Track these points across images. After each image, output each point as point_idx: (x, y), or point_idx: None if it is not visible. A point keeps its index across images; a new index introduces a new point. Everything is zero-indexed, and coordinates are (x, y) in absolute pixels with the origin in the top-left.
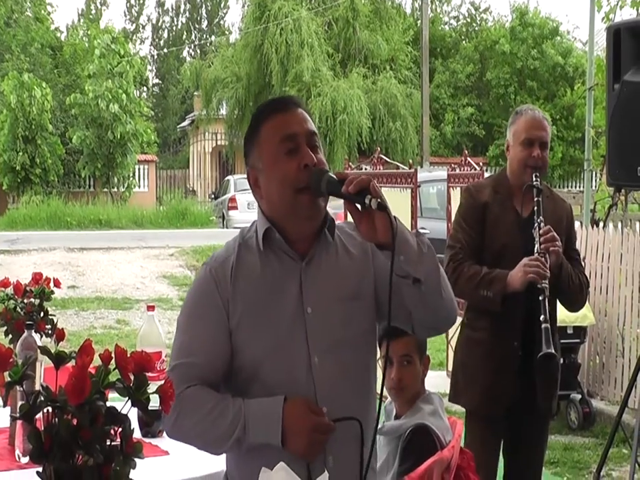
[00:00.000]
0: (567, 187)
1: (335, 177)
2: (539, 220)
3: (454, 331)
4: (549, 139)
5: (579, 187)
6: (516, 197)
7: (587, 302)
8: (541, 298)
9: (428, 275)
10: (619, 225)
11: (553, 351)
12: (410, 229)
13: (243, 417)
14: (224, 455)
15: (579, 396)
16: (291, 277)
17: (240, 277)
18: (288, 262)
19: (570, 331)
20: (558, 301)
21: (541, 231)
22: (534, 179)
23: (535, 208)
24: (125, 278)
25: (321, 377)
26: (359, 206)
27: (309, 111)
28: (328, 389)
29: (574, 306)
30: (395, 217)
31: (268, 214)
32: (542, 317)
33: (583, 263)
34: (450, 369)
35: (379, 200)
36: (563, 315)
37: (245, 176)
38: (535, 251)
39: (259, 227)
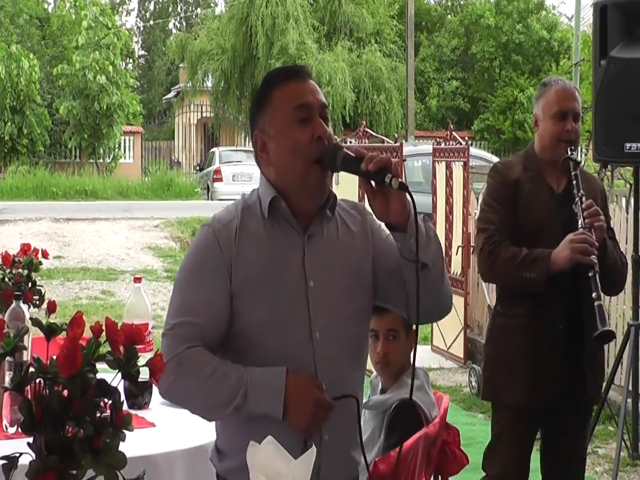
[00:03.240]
0: None
1: (351, 153)
2: (579, 194)
3: None
4: (580, 109)
5: None
6: (548, 172)
7: None
8: (590, 274)
9: (434, 260)
10: None
11: (611, 329)
12: None
13: (245, 385)
14: (211, 427)
15: None
16: (294, 249)
17: (244, 241)
18: (291, 233)
19: None
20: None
21: (583, 205)
22: (569, 152)
23: (574, 182)
24: (110, 249)
25: (322, 352)
26: (372, 183)
27: (319, 83)
28: (328, 364)
29: (615, 287)
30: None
31: (274, 182)
32: (594, 294)
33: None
34: (435, 343)
35: (400, 180)
36: None
37: (230, 148)
38: (580, 226)
39: (263, 194)
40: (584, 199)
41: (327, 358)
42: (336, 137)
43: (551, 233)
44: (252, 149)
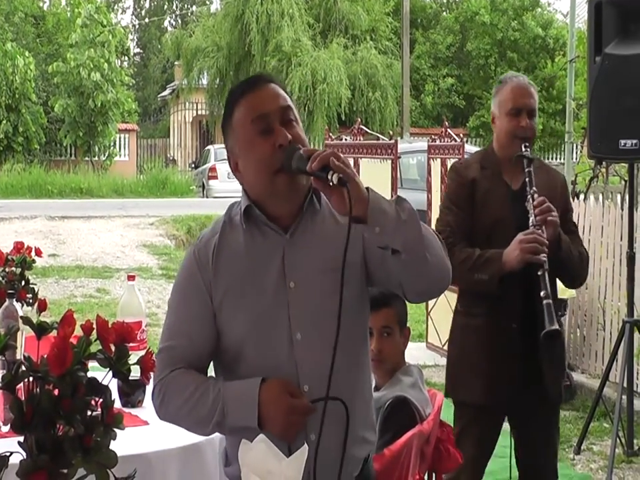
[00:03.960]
0: (548, 158)
1: (303, 154)
2: (531, 191)
3: (434, 303)
4: (536, 105)
5: (560, 159)
6: (505, 170)
7: None
8: (539, 273)
9: (407, 243)
10: (600, 197)
11: (558, 327)
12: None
13: (221, 401)
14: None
15: None
16: (274, 252)
17: (222, 257)
18: (272, 236)
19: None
20: (557, 277)
21: (534, 202)
22: (523, 148)
23: (527, 179)
24: (105, 247)
25: (303, 354)
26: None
27: (282, 83)
28: (311, 365)
29: (575, 281)
30: (368, 188)
31: (250, 195)
32: (542, 293)
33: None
34: (429, 340)
35: (340, 175)
36: None
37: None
38: (530, 224)
39: (241, 205)
40: (536, 195)
41: (310, 360)
42: (331, 134)
43: (506, 231)
44: None
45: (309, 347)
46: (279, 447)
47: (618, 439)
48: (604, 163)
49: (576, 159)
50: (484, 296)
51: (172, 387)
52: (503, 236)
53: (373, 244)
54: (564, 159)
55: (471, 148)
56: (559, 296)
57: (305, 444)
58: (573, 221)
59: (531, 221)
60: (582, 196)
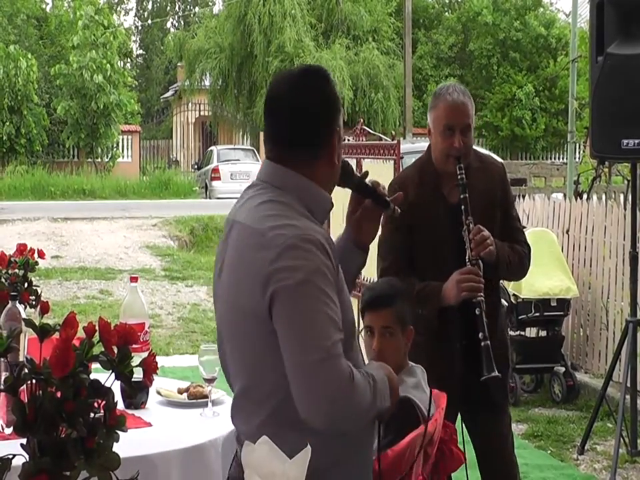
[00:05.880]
0: (550, 158)
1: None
2: (467, 221)
3: None
4: (471, 119)
5: (563, 158)
6: (443, 183)
7: (571, 274)
8: (477, 312)
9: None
10: (603, 197)
11: (496, 374)
12: None
13: (374, 384)
14: (209, 428)
15: (563, 369)
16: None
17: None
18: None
19: (553, 304)
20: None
21: (470, 235)
22: (458, 171)
23: (463, 207)
24: (108, 248)
25: None
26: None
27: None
28: None
29: (516, 279)
30: None
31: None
32: (480, 335)
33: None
34: None
35: (399, 210)
36: (546, 287)
37: (228, 147)
38: (467, 259)
39: (319, 198)
40: (472, 226)
41: None
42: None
43: (447, 249)
44: (249, 148)
45: None
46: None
47: (622, 439)
48: (606, 162)
49: (578, 158)
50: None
51: (359, 377)
52: (442, 255)
53: (355, 270)
54: (566, 158)
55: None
56: (562, 296)
57: (308, 445)
58: (515, 215)
59: (467, 255)
60: (585, 196)
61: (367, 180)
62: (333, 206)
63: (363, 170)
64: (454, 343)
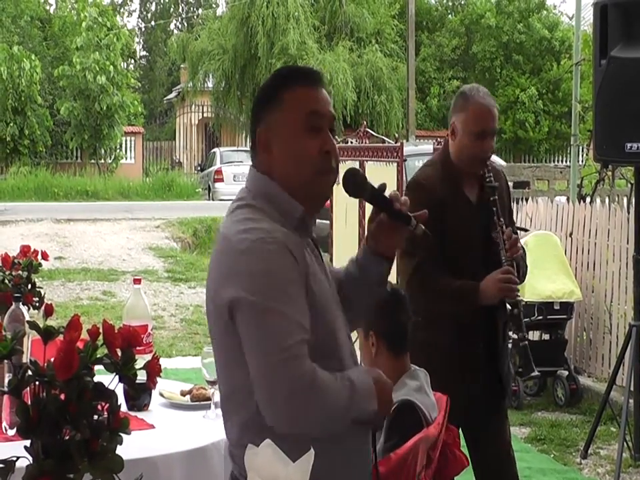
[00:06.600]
0: (553, 161)
1: (374, 186)
2: (500, 222)
3: None
4: (497, 123)
5: (566, 161)
6: (465, 182)
7: (574, 278)
8: (515, 312)
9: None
10: (606, 200)
11: (536, 373)
12: None
13: (356, 390)
14: (211, 430)
15: (566, 372)
16: (315, 252)
17: (305, 250)
18: (303, 234)
19: (557, 307)
20: None
21: (504, 236)
22: (487, 174)
23: (494, 209)
24: (111, 249)
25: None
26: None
27: (329, 90)
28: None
29: (522, 281)
30: None
31: (284, 184)
32: (520, 335)
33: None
34: None
35: (424, 229)
36: (549, 290)
37: (231, 148)
38: (503, 260)
39: (288, 206)
40: (504, 227)
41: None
42: (337, 137)
43: (474, 250)
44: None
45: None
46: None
47: (625, 443)
48: (610, 166)
49: (582, 161)
50: (446, 317)
51: (321, 379)
52: (468, 255)
53: (376, 277)
54: (569, 161)
55: None
56: (566, 299)
57: (311, 448)
58: (514, 221)
59: (502, 256)
60: (588, 199)
61: (389, 194)
62: (301, 210)
63: (366, 172)
64: (478, 343)
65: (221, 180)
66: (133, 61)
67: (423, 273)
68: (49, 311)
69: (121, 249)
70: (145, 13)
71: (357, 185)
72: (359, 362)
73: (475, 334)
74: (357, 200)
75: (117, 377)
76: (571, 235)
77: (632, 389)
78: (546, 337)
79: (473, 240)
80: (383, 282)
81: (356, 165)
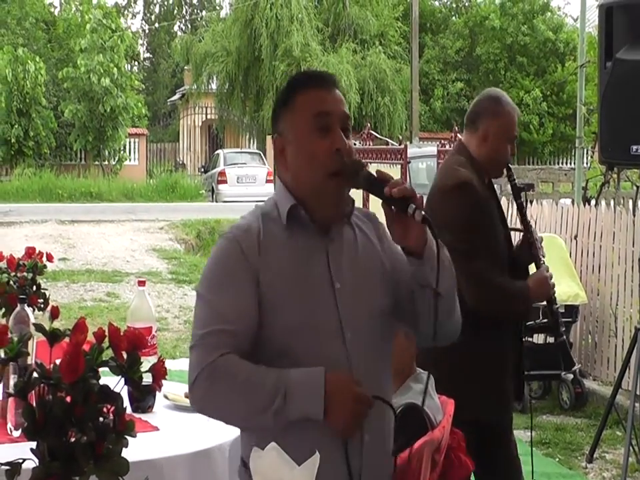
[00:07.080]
0: (558, 163)
1: (373, 174)
2: (532, 221)
3: None
4: None
5: (571, 163)
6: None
7: (579, 280)
8: (555, 308)
9: (447, 291)
10: (612, 202)
11: (576, 367)
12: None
13: (283, 386)
14: (216, 431)
15: (571, 376)
16: (318, 253)
17: (267, 246)
18: (313, 238)
19: (562, 310)
20: None
21: (537, 236)
22: (513, 176)
23: (525, 210)
24: (115, 251)
25: (355, 352)
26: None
27: (344, 93)
28: (362, 364)
29: None
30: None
31: (291, 188)
32: (561, 330)
33: None
34: None
35: (423, 212)
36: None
37: (235, 150)
38: (541, 262)
39: (281, 201)
40: (534, 227)
41: (360, 357)
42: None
43: (503, 246)
44: (256, 151)
45: (359, 345)
46: (331, 448)
47: (631, 447)
48: (615, 168)
49: (587, 164)
50: (491, 320)
51: (222, 372)
52: (500, 254)
53: (417, 279)
54: (574, 163)
55: None
56: (571, 302)
57: (317, 452)
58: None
59: (542, 256)
60: (593, 201)
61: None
62: (289, 205)
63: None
64: (514, 344)
65: (225, 182)
66: (136, 63)
67: (482, 272)
68: (54, 314)
69: (125, 250)
70: (148, 15)
71: (352, 173)
72: (345, 365)
73: (508, 335)
74: (361, 197)
75: (123, 379)
76: (575, 237)
77: (638, 392)
78: (551, 340)
79: (501, 239)
80: (422, 283)
81: None
